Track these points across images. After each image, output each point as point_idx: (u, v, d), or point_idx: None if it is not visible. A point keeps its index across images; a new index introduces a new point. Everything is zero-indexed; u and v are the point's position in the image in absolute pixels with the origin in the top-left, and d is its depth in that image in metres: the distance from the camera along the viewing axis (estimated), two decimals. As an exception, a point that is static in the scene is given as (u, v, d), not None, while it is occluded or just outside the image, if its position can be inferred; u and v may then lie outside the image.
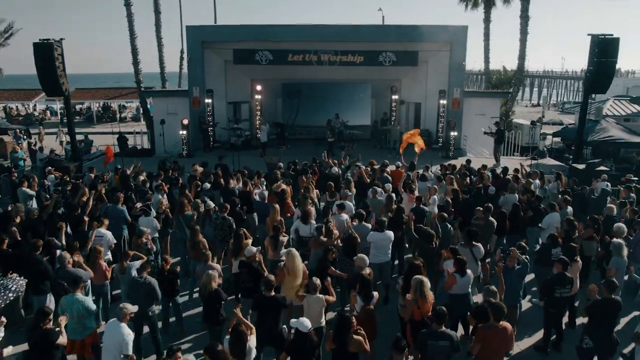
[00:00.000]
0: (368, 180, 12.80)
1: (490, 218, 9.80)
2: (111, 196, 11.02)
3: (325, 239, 8.64)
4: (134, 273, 7.52)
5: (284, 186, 11.26)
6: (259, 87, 22.44)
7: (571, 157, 19.92)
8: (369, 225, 9.28)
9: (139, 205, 10.22)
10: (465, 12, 32.36)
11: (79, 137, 20.98)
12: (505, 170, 13.37)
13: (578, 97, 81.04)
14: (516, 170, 14.13)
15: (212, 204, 10.17)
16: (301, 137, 23.53)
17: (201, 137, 21.51)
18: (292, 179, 13.03)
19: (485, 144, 21.29)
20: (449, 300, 7.35)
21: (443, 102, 20.71)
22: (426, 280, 6.73)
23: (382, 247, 8.62)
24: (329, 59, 21.09)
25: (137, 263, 7.76)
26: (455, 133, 19.40)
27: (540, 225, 10.13)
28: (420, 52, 21.14)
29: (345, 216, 9.83)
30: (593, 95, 25.76)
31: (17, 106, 46.73)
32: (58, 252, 8.08)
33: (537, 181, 13.19)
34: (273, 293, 6.72)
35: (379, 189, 11.74)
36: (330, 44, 20.99)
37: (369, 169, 13.62)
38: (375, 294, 6.96)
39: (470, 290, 7.51)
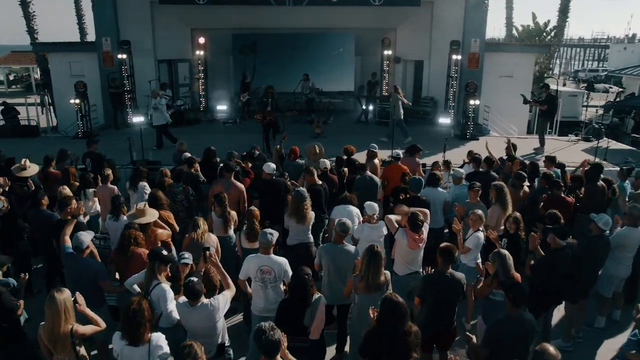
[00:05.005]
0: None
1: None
2: None
3: None
4: None
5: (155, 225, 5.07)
6: (201, 40, 16.15)
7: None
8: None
9: None
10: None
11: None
12: (595, 170, 7.02)
13: (583, 65, 74.97)
14: (606, 180, 6.99)
15: None
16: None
17: (112, 109, 15.18)
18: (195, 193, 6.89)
19: (514, 118, 15.17)
20: None
21: (456, 57, 14.40)
22: None
23: None
24: (294, -4, 14.62)
25: None
26: (477, 102, 13.15)
27: None
28: (425, -13, 14.70)
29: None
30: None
31: None
32: None
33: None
34: None
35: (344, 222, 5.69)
36: (294, -27, 14.50)
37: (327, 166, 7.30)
38: None
39: None
